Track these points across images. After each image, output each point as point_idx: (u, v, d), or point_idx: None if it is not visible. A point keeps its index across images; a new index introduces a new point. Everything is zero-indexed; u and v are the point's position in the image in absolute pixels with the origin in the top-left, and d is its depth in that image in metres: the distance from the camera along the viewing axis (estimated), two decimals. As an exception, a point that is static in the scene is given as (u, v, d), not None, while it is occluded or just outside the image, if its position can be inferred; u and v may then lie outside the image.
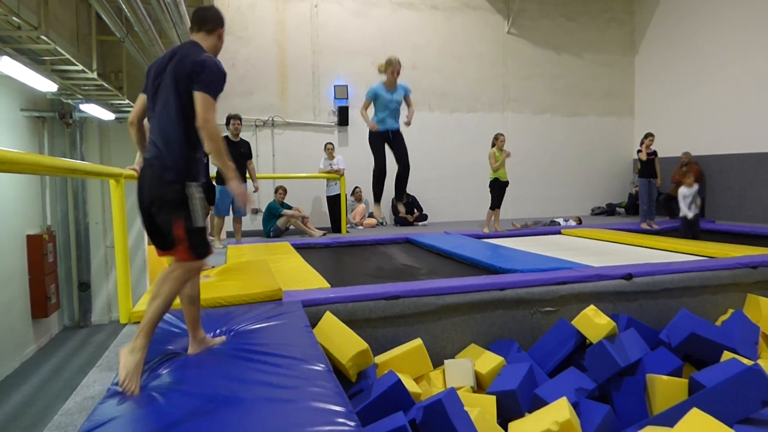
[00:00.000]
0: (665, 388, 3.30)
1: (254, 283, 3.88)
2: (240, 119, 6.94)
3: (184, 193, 2.41)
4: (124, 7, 5.58)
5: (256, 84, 9.55)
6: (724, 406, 2.87)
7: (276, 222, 7.90)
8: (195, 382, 2.26)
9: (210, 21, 2.63)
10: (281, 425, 1.88)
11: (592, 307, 3.85)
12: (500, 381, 3.46)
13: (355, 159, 9.57)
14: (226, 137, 6.84)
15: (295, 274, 4.83)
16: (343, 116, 9.80)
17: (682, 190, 7.28)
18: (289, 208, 8.08)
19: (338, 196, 8.30)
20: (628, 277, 4.40)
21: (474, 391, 3.55)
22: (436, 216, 10.12)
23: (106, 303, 9.82)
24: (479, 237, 7.50)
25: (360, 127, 9.96)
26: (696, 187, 7.26)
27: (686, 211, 7.20)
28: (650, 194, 8.24)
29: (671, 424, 2.82)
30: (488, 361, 3.73)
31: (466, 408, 3.01)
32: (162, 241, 2.50)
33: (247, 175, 7.02)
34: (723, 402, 2.88)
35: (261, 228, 8.39)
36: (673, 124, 10.44)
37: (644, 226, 8.07)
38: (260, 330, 3.06)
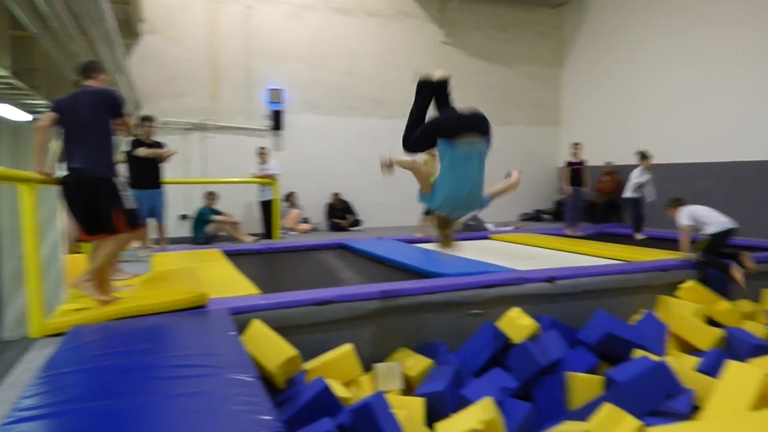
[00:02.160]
0: (582, 384, 3.47)
1: (177, 290, 3.77)
2: (152, 120, 6.77)
3: (115, 186, 3.59)
4: None
5: (187, 86, 9.30)
6: (635, 399, 3.05)
7: (206, 228, 7.71)
8: (109, 395, 2.17)
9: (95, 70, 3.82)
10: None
11: (515, 309, 4.00)
12: (428, 383, 3.52)
13: (290, 164, 9.50)
14: (138, 139, 6.64)
15: (224, 281, 4.74)
16: (277, 120, 9.70)
17: (636, 172, 7.69)
18: (220, 213, 7.91)
19: (271, 201, 8.19)
20: (551, 280, 4.59)
21: (403, 394, 3.60)
22: (370, 221, 10.19)
23: (18, 317, 9.21)
24: (412, 242, 7.61)
25: (295, 131, 9.91)
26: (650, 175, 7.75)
27: (633, 192, 7.63)
28: (576, 202, 8.64)
29: (587, 419, 2.97)
30: (417, 364, 3.79)
31: (394, 410, 3.04)
32: (96, 226, 3.60)
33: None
34: (633, 396, 3.07)
35: (190, 235, 8.16)
36: (596, 135, 10.99)
37: (568, 231, 8.44)
38: (183, 339, 2.98)
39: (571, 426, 2.92)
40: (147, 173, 6.64)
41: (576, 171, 8.58)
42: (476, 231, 8.90)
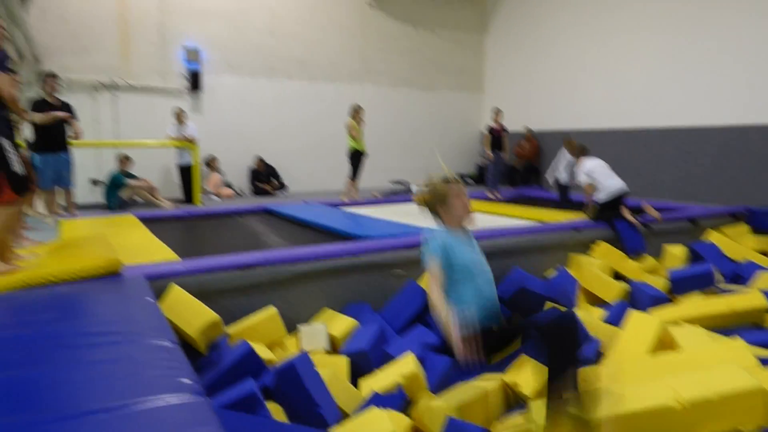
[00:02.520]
0: (499, 338, 3.64)
1: (87, 257, 3.58)
2: (55, 77, 6.30)
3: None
4: None
5: (93, 41, 8.66)
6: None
7: (120, 193, 7.33)
8: (16, 365, 2.06)
9: None
10: (118, 398, 1.79)
11: (436, 268, 4.11)
12: (352, 342, 3.58)
13: (210, 127, 9.16)
14: (43, 99, 6.18)
15: (140, 247, 4.55)
16: (195, 81, 9.26)
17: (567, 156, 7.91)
18: (135, 178, 7.54)
19: (191, 165, 7.89)
20: (471, 240, 4.74)
21: (328, 354, 3.64)
22: (295, 186, 10.07)
23: None
24: (338, 206, 7.61)
25: (215, 93, 9.52)
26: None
27: (562, 174, 7.90)
28: (497, 166, 8.91)
29: (504, 370, 3.14)
30: (342, 324, 3.84)
31: (318, 369, 3.08)
32: None
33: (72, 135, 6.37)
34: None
35: (103, 201, 7.73)
36: (517, 101, 11.32)
37: (489, 195, 8.73)
38: (95, 306, 2.86)
39: (490, 377, 3.07)
40: (51, 135, 6.19)
41: (496, 137, 8.83)
42: (403, 194, 9.02)
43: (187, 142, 7.92)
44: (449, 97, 11.92)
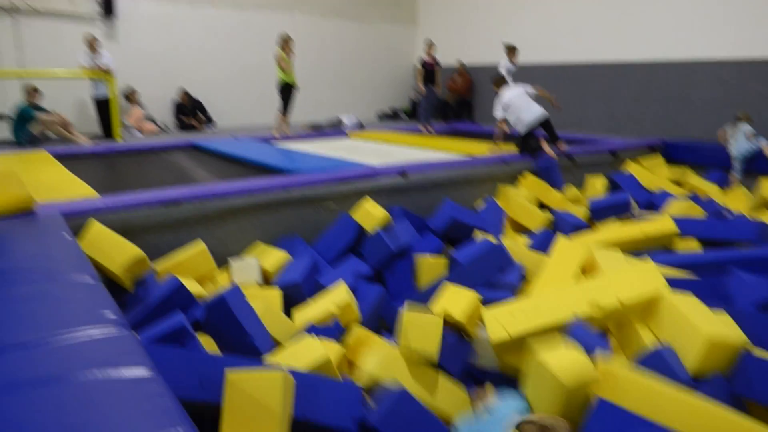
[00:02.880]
0: (429, 266, 3.75)
1: (-4, 194, 3.33)
2: None
3: None
4: None
5: (-15, -43, 7.72)
6: (474, 275, 3.37)
7: (29, 128, 6.79)
8: None
9: None
10: (38, 333, 1.71)
11: (368, 199, 4.13)
12: (285, 274, 3.58)
13: (127, 57, 8.55)
14: None
15: (55, 184, 4.29)
16: (108, 5, 8.52)
17: (504, 63, 7.79)
18: (46, 111, 6.98)
19: (108, 98, 7.37)
20: (403, 174, 4.78)
21: (261, 287, 3.63)
22: (223, 121, 9.67)
23: None
24: (269, 141, 7.41)
25: (132, 19, 8.83)
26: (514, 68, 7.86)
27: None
28: (429, 100, 8.88)
29: (434, 298, 3.23)
30: (274, 257, 3.82)
31: (251, 302, 3.07)
32: None
33: None
34: (473, 272, 3.38)
35: (11, 136, 7.13)
36: (450, 34, 11.19)
37: (422, 129, 8.74)
38: (7, 245, 2.68)
39: (413, 307, 3.10)
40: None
41: (429, 70, 8.75)
42: (335, 129, 8.88)
43: (101, 73, 7.36)
44: (382, 29, 11.61)
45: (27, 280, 2.22)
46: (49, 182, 4.38)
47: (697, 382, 2.17)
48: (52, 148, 6.45)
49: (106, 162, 6.07)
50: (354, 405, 2.32)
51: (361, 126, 9.31)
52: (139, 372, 1.50)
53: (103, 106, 7.55)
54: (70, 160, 5.89)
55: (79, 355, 1.59)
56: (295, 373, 2.16)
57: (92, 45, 7.51)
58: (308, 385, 2.22)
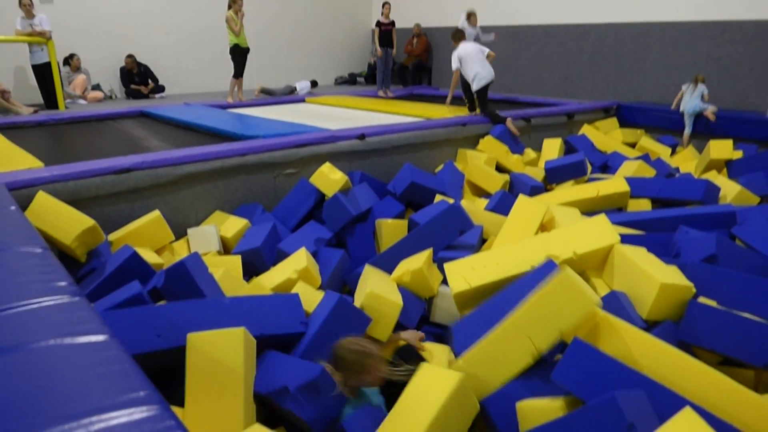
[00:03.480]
0: (390, 229, 3.77)
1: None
2: None
3: None
4: None
5: None
6: (433, 237, 3.39)
7: (-35, 97, 6.39)
8: None
9: None
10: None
11: (327, 163, 4.09)
12: (245, 241, 3.54)
13: (66, 19, 8.08)
14: None
15: (-4, 154, 4.06)
16: (43, -36, 7.99)
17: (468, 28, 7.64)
18: (-18, 79, 6.57)
19: (47, 64, 6.98)
20: (362, 137, 4.74)
21: (221, 255, 3.58)
22: (173, 87, 9.31)
23: None
24: (223, 107, 7.20)
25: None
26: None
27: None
28: (386, 64, 8.76)
29: (394, 259, 3.25)
30: (233, 225, 3.76)
31: (211, 271, 3.02)
32: None
33: None
34: (433, 234, 3.40)
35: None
36: (404, -4, 11.00)
37: (380, 93, 8.65)
38: (-53, 217, 2.55)
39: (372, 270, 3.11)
40: None
41: (386, 32, 8.61)
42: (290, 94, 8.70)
43: (38, 37, 6.94)
44: (337, -9, 11.33)
45: (-29, 253, 2.11)
46: (-11, 153, 4.15)
47: (649, 328, 2.27)
48: (-10, 117, 6.10)
49: (50, 132, 5.79)
50: (297, 310, 2.46)
51: (314, 88, 9.12)
52: (97, 338, 1.46)
53: (42, 73, 7.15)
54: (12, 130, 5.60)
55: (33, 325, 1.54)
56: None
57: (26, 8, 7.04)
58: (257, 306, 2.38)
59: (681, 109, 6.38)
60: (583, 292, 2.05)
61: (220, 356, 1.94)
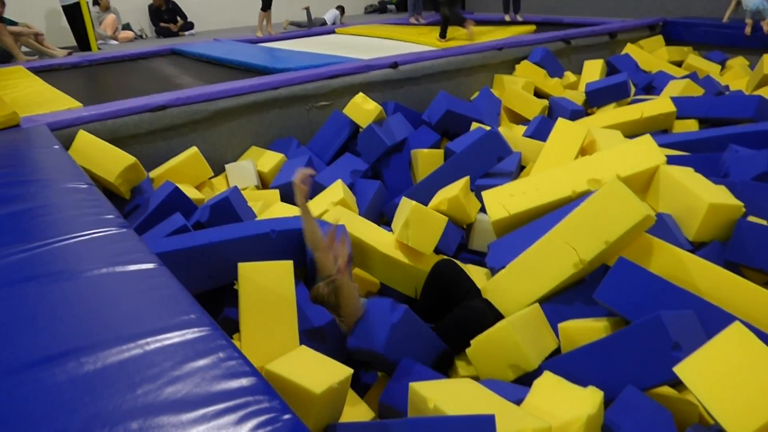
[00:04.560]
0: (425, 159, 3.72)
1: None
2: None
3: None
4: None
5: None
6: (471, 164, 3.34)
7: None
8: None
9: None
10: (38, 238, 1.70)
11: (360, 94, 4.02)
12: (282, 175, 3.56)
13: (92, -42, 7.97)
14: None
15: (36, 98, 4.14)
16: None
17: None
18: (14, 24, 6.61)
19: (77, 5, 6.94)
20: (394, 65, 4.62)
21: (258, 190, 3.63)
22: (202, 24, 9.20)
23: None
24: (253, 42, 7.09)
25: None
26: None
27: None
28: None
29: (431, 189, 3.23)
30: (269, 160, 3.78)
31: (250, 205, 3.08)
32: None
33: None
34: (469, 162, 3.35)
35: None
36: None
37: (412, 20, 8.35)
38: (-3, 158, 2.64)
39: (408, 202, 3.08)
40: None
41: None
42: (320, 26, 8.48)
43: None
44: None
45: (21, 190, 2.19)
46: (31, 96, 4.22)
47: (695, 249, 2.22)
48: (27, 62, 6.18)
49: (85, 73, 5.84)
50: None
51: (343, 16, 8.86)
52: (146, 266, 1.52)
53: (72, 14, 7.13)
54: (48, 73, 5.66)
55: (86, 255, 1.60)
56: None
57: (53, -54, 6.96)
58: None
59: (744, 3, 5.94)
60: (636, 199, 1.99)
61: (271, 286, 2.00)
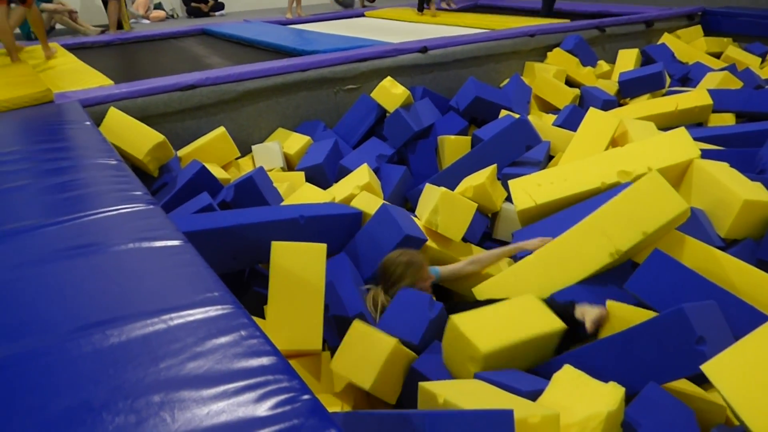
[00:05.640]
0: (452, 146, 3.68)
1: (14, 87, 3.29)
2: None
3: None
4: None
5: None
6: (498, 152, 3.29)
7: (37, 19, 6.56)
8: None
9: None
10: (68, 212, 1.74)
11: (388, 78, 3.99)
12: (308, 158, 3.57)
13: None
14: None
15: (69, 75, 4.21)
16: None
17: None
18: (49, 1, 6.72)
19: (111, -17, 7.01)
20: (424, 50, 4.56)
21: (284, 171, 3.64)
22: (232, 5, 9.21)
23: None
24: (282, 23, 7.08)
25: None
26: None
27: None
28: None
29: (457, 176, 3.20)
30: (296, 142, 3.79)
31: (276, 186, 3.09)
32: None
33: None
34: (497, 150, 3.31)
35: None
36: None
37: (443, 5, 8.24)
38: (31, 134, 2.70)
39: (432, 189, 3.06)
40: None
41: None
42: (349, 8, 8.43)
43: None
44: None
45: (54, 165, 2.23)
46: (64, 73, 4.29)
47: (727, 247, 2.16)
48: (61, 39, 6.27)
49: (117, 51, 5.91)
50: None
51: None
52: (172, 243, 1.53)
53: (107, -7, 7.21)
54: (82, 50, 5.74)
55: (113, 230, 1.63)
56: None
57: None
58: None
59: None
60: (674, 192, 1.95)
61: (302, 267, 2.01)
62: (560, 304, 1.97)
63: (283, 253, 2.02)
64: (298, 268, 2.00)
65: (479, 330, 1.76)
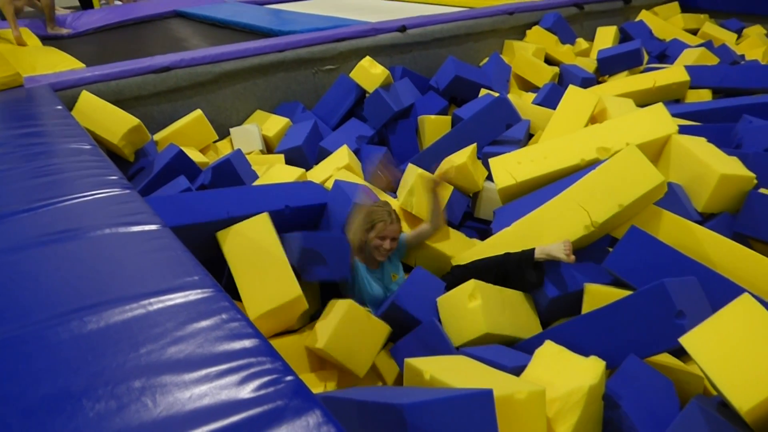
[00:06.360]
0: (433, 125, 3.67)
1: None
2: None
3: None
4: None
5: None
6: (479, 131, 3.29)
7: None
8: None
9: None
10: (41, 198, 1.69)
11: (367, 57, 3.94)
12: (287, 140, 3.53)
13: None
14: None
15: (38, 59, 4.08)
16: None
17: None
18: (17, -20, 6.48)
19: (80, -38, 6.81)
20: (402, 29, 4.52)
21: (263, 154, 3.60)
22: (208, -15, 9.00)
23: None
24: (260, 3, 6.95)
25: None
26: None
27: None
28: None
29: (438, 156, 3.19)
30: (274, 124, 3.74)
31: (254, 168, 3.06)
32: None
33: None
34: (477, 129, 3.30)
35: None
36: None
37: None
38: (1, 119, 2.62)
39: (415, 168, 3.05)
40: None
41: None
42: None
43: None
44: None
45: (26, 150, 2.17)
46: (33, 57, 4.17)
47: (704, 221, 2.19)
48: (27, 21, 6.07)
49: (88, 34, 5.74)
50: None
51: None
52: (150, 227, 1.51)
53: (76, -27, 7.00)
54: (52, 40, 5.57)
55: (89, 215, 1.59)
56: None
57: None
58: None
59: None
60: (651, 166, 1.98)
61: (253, 240, 2.05)
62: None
63: (231, 236, 2.07)
64: (249, 241, 2.05)
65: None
